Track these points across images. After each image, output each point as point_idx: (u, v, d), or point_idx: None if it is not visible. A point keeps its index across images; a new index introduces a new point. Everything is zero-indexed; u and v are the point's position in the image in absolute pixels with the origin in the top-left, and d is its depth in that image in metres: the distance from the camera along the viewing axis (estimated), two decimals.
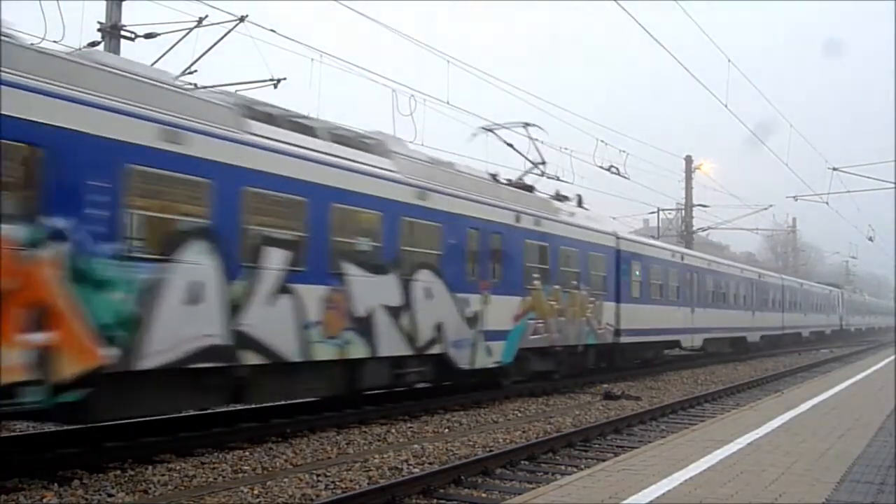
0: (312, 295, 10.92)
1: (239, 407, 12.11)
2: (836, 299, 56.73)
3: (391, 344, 12.32)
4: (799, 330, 43.78)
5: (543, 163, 20.00)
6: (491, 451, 10.25)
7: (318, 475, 8.65)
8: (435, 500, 7.96)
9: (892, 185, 30.15)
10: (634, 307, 21.65)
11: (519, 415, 14.17)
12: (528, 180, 19.25)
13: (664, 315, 24.01)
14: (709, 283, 28.76)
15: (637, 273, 22.28)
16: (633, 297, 21.71)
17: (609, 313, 20.15)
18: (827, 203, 33.13)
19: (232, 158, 9.69)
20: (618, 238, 21.41)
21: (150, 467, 8.89)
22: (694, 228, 39.32)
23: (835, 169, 29.49)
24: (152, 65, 12.28)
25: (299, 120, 11.65)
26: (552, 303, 17.18)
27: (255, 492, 7.90)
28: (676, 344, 26.17)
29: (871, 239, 46.27)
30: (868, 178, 30.11)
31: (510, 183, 17.62)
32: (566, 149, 24.09)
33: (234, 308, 9.68)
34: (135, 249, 8.79)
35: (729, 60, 21.35)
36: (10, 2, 9.43)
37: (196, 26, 14.93)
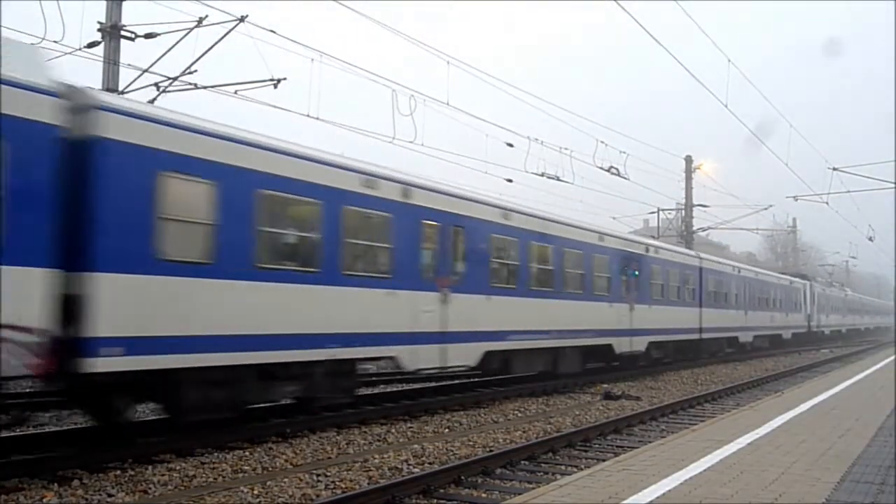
0: None
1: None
2: (802, 294, 44.53)
3: None
4: (732, 333, 31.41)
5: None
6: (491, 451, 10.26)
7: (318, 475, 8.66)
8: (435, 500, 7.96)
9: (892, 185, 30.15)
10: (155, 282, 9.09)
11: (519, 415, 14.17)
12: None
13: (327, 305, 11.51)
14: (507, 250, 16.33)
15: (191, 205, 9.60)
16: (154, 256, 9.08)
17: None
18: (827, 203, 33.09)
19: None
20: (69, 97, 8.30)
21: (150, 467, 8.90)
22: (694, 228, 39.32)
23: (835, 169, 29.48)
24: (152, 65, 12.32)
25: None
26: None
27: (255, 492, 7.91)
28: (392, 361, 13.28)
29: (871, 239, 46.22)
30: (868, 178, 30.11)
31: None
32: (566, 149, 24.10)
33: None
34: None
35: (729, 60, 21.32)
36: (10, 1, 9.46)
37: (196, 26, 14.94)
